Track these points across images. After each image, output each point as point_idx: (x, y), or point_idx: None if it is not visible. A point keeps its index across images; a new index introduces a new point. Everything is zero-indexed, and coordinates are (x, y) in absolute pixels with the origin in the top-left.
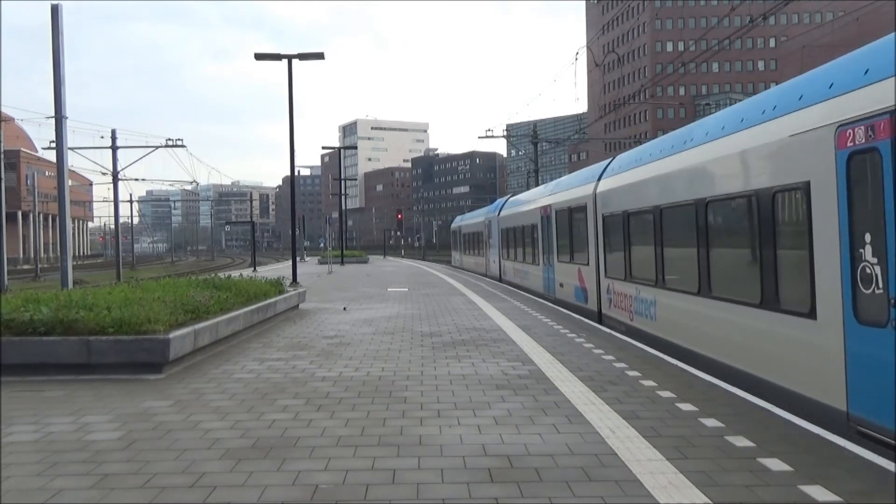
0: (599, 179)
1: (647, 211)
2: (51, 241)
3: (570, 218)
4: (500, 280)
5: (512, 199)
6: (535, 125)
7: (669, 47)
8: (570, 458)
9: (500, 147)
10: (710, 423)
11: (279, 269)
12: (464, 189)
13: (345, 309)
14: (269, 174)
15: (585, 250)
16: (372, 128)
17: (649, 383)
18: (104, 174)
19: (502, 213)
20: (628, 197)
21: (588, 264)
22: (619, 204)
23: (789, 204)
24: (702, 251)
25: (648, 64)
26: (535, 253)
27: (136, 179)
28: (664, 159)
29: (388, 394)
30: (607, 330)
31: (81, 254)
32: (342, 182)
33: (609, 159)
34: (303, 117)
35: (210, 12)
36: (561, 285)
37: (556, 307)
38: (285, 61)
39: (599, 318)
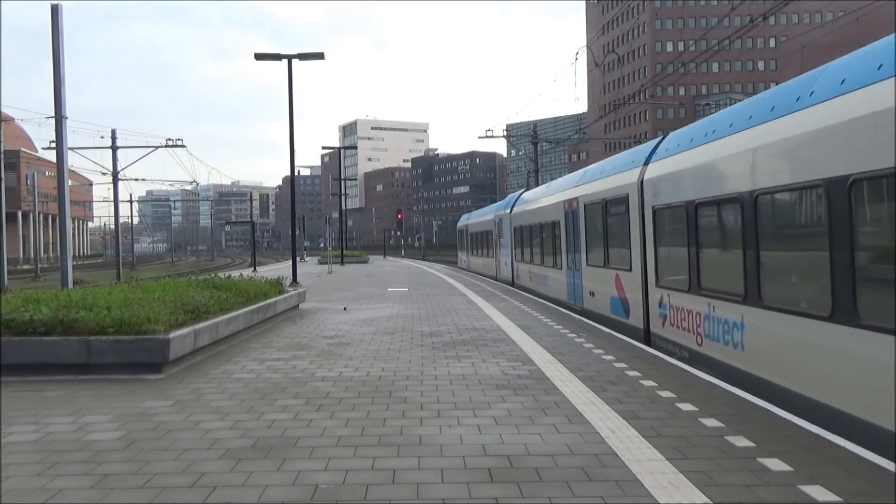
0: (647, 163)
1: (731, 199)
2: (51, 241)
3: (604, 213)
4: (513, 284)
5: (527, 193)
6: (535, 125)
7: (669, 47)
8: (570, 458)
9: (500, 147)
10: (710, 423)
11: (279, 269)
12: (464, 189)
13: (345, 309)
14: (269, 174)
15: (626, 252)
16: (372, 128)
17: (649, 383)
18: (104, 174)
19: (515, 210)
20: (698, 182)
21: (630, 270)
22: (682, 192)
23: None
24: (838, 255)
25: (648, 64)
26: (556, 255)
27: (136, 179)
28: (762, 126)
29: (388, 394)
30: (656, 353)
31: (81, 254)
32: (342, 182)
33: (657, 139)
34: (303, 117)
35: (210, 12)
36: (591, 294)
37: (586, 320)
38: (285, 61)
39: (646, 337)
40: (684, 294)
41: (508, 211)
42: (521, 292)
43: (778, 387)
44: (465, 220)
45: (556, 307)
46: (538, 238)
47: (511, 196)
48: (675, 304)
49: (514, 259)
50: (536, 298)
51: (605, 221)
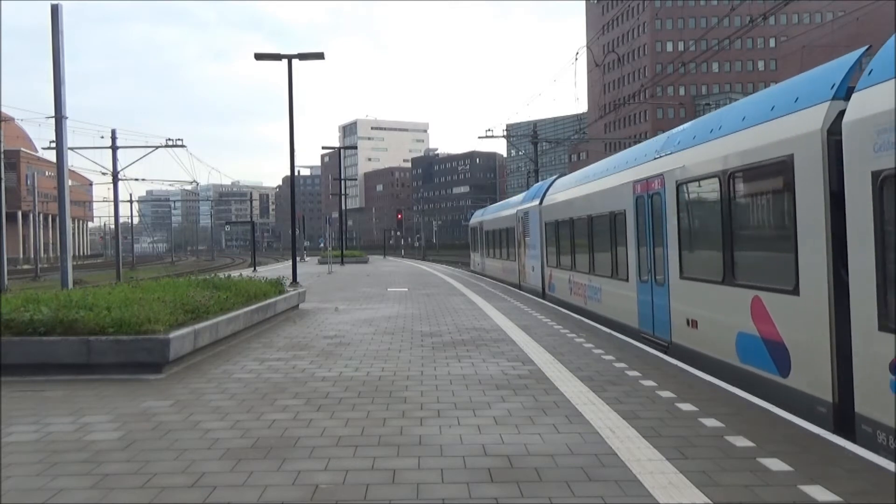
0: (849, 94)
1: None
2: (51, 241)
3: (724, 192)
4: (544, 296)
5: (563, 179)
6: (535, 125)
7: (669, 47)
8: (570, 458)
9: (500, 147)
10: (710, 423)
11: (279, 269)
12: (464, 189)
13: (336, 310)
14: (269, 174)
15: (786, 259)
16: (372, 128)
17: (649, 383)
18: (104, 174)
19: (548, 201)
20: None
21: (796, 292)
22: None
23: None
24: None
25: (648, 64)
26: (619, 260)
27: (136, 179)
28: None
29: (388, 394)
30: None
31: (81, 254)
32: (342, 182)
33: (855, 52)
34: (303, 117)
35: (209, 13)
36: (690, 324)
37: (680, 364)
38: (285, 61)
39: (842, 418)
40: None
41: (538, 203)
42: (553, 305)
43: None
44: (479, 216)
45: (623, 336)
46: (584, 236)
47: (539, 185)
48: None
49: (545, 264)
50: (569, 313)
51: (725, 207)
